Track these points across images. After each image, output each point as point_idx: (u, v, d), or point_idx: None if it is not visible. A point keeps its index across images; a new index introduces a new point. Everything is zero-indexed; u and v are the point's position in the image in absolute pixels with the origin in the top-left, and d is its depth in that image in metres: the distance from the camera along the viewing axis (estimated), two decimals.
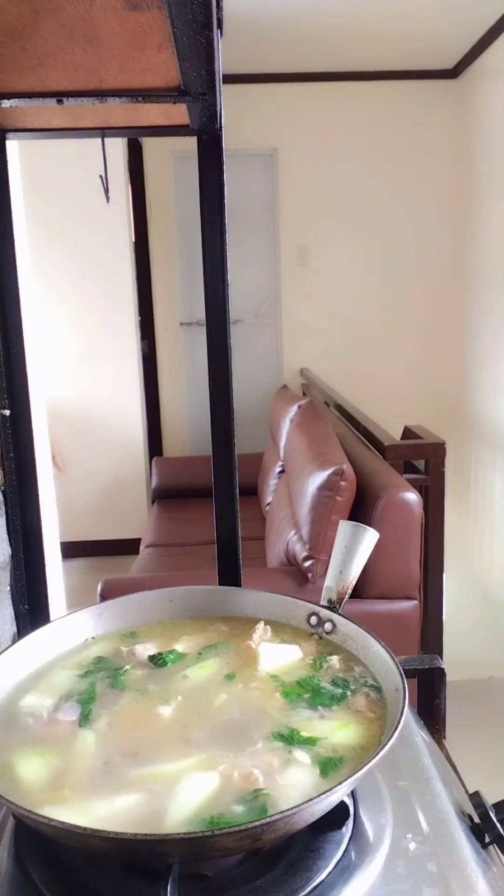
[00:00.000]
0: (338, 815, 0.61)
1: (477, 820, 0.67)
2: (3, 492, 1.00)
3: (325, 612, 0.82)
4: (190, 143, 0.91)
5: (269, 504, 3.15)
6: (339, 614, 0.81)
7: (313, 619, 0.83)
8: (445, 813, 0.67)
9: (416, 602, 2.05)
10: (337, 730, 0.67)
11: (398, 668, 0.69)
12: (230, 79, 4.11)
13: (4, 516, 1.00)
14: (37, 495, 1.01)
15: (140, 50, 0.63)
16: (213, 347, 0.95)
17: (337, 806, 0.60)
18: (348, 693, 0.72)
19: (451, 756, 0.83)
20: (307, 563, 2.07)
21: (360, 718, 0.69)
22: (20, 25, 0.57)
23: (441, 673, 0.90)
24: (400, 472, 2.34)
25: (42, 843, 0.62)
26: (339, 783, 0.56)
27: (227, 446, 0.98)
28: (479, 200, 4.22)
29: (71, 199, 3.68)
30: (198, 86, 0.72)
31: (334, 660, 0.77)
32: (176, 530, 3.30)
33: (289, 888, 0.58)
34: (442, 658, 0.91)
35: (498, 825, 0.65)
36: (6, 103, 0.75)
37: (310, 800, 0.54)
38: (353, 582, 0.82)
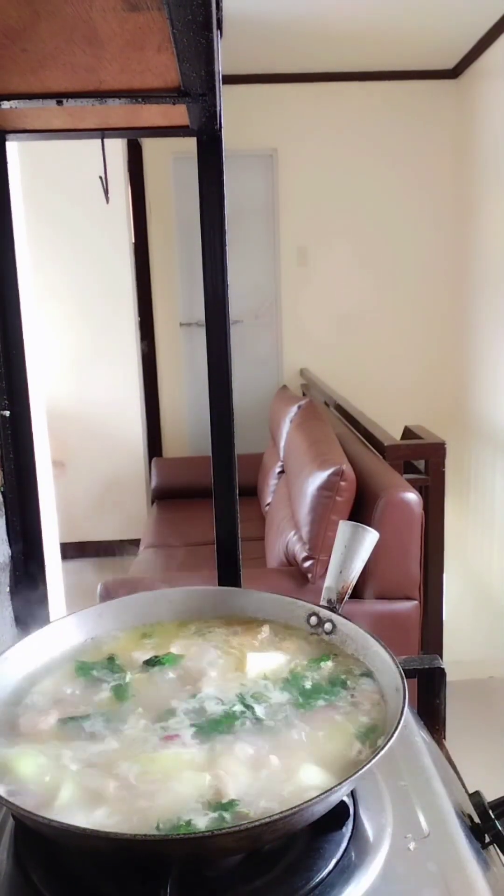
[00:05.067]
0: (338, 815, 0.61)
1: (477, 820, 0.67)
2: (3, 492, 1.00)
3: (324, 613, 0.82)
4: (190, 144, 0.91)
5: (268, 504, 3.15)
6: (339, 614, 0.81)
7: (313, 620, 0.83)
8: (445, 813, 0.67)
9: (416, 602, 2.05)
10: (335, 729, 0.67)
11: (398, 668, 0.69)
12: (230, 79, 4.11)
13: (4, 517, 1.00)
14: (37, 496, 1.01)
15: (140, 51, 0.63)
16: (213, 348, 0.95)
17: (337, 806, 0.60)
18: (347, 692, 0.72)
19: (451, 756, 0.83)
20: (307, 564, 2.07)
21: (359, 718, 0.69)
22: (20, 27, 0.57)
23: (441, 673, 0.90)
24: (400, 472, 2.34)
25: (42, 844, 0.62)
26: (339, 783, 0.56)
27: (227, 446, 0.98)
28: (478, 201, 4.22)
29: (71, 199, 3.68)
30: (197, 86, 0.72)
31: (329, 664, 0.77)
32: (176, 531, 3.30)
33: (289, 888, 0.58)
34: (442, 658, 0.91)
35: (498, 825, 0.66)
36: (6, 105, 0.75)
37: (309, 800, 0.54)
38: (353, 582, 0.82)
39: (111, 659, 0.79)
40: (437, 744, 0.81)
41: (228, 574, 1.00)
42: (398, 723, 0.61)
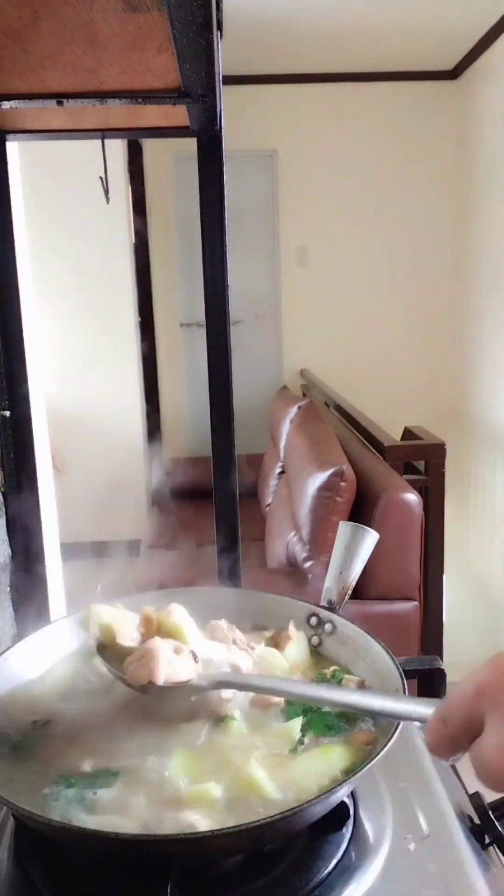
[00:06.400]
0: (338, 816, 0.61)
1: (477, 821, 0.67)
2: (3, 492, 1.00)
3: (325, 614, 0.82)
4: (190, 145, 0.91)
5: (269, 505, 3.15)
6: (339, 615, 0.81)
7: (313, 620, 0.83)
8: (445, 814, 0.67)
9: (415, 603, 2.05)
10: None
11: (398, 668, 0.68)
12: (230, 80, 4.11)
13: (4, 517, 1.00)
14: (37, 496, 1.01)
15: (140, 51, 0.63)
16: (213, 348, 0.95)
17: (337, 806, 0.60)
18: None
19: None
20: (307, 564, 2.07)
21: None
22: (20, 27, 0.57)
23: (441, 674, 0.90)
24: (400, 472, 2.33)
25: (42, 844, 0.62)
26: (339, 783, 0.56)
27: (227, 447, 0.98)
28: (478, 201, 4.22)
29: (71, 200, 3.67)
30: (198, 87, 0.72)
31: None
32: (176, 531, 3.30)
33: (289, 889, 0.58)
34: (442, 659, 0.91)
35: (498, 826, 0.65)
36: (6, 105, 0.75)
37: (309, 800, 0.54)
38: (353, 583, 0.82)
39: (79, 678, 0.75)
40: None
41: (229, 574, 1.00)
42: (398, 724, 0.61)
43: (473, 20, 3.71)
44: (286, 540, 2.28)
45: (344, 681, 0.73)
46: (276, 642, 0.80)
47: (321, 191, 4.57)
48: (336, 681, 0.73)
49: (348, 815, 0.62)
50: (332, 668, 0.76)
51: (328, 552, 0.86)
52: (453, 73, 4.40)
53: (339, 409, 3.33)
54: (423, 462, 2.48)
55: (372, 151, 4.52)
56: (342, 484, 2.07)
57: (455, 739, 0.45)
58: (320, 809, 0.58)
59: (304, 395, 4.24)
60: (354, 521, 0.84)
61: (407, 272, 4.67)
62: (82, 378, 4.02)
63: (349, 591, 0.81)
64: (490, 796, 0.69)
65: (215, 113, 0.82)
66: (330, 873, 0.59)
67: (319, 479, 2.11)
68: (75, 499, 3.98)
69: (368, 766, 0.57)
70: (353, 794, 0.66)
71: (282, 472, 3.09)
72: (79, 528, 3.95)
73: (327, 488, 2.08)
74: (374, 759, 0.57)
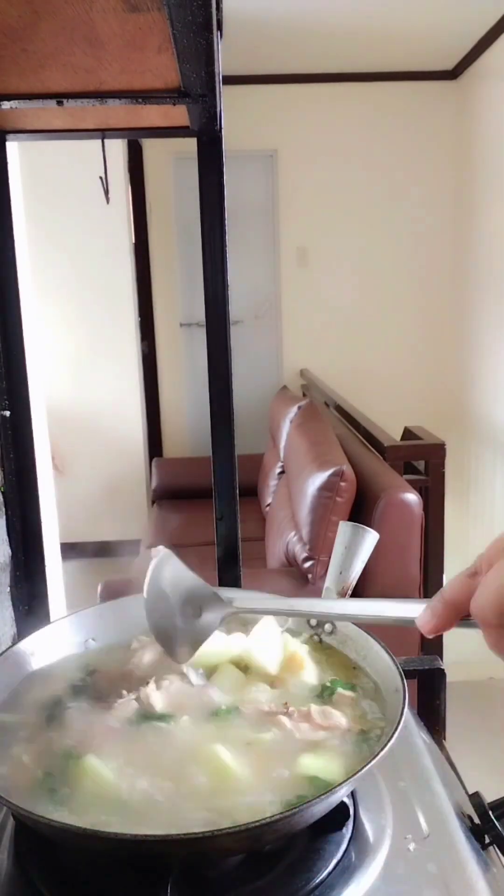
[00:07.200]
0: (338, 816, 0.61)
1: (477, 820, 0.67)
2: (3, 492, 1.00)
3: None
4: (190, 145, 0.91)
5: (269, 505, 3.15)
6: None
7: (313, 620, 0.83)
8: (445, 814, 0.67)
9: None
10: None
11: (398, 668, 0.68)
12: (230, 80, 4.11)
13: (4, 517, 1.00)
14: (37, 496, 1.01)
15: (140, 51, 0.63)
16: (213, 348, 0.95)
17: (337, 807, 0.60)
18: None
19: (451, 757, 0.83)
20: (307, 564, 2.07)
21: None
22: (20, 27, 0.57)
23: (441, 674, 0.90)
24: (400, 472, 2.34)
25: (42, 844, 0.62)
26: (339, 784, 0.56)
27: (227, 447, 0.98)
28: (478, 201, 4.22)
29: (71, 200, 3.68)
30: (198, 87, 0.72)
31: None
32: (176, 531, 3.30)
33: (289, 889, 0.58)
34: (442, 659, 0.91)
35: (498, 826, 0.65)
36: (6, 105, 0.75)
37: (309, 800, 0.54)
38: (353, 583, 0.81)
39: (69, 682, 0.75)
40: (436, 745, 0.81)
41: (229, 574, 1.00)
42: (398, 724, 0.61)
43: (473, 20, 3.71)
44: (286, 540, 2.28)
45: (336, 695, 0.72)
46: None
47: (321, 191, 4.57)
48: (330, 692, 0.72)
49: (348, 815, 0.62)
50: (331, 679, 0.75)
51: (328, 552, 0.86)
52: (453, 73, 4.40)
53: (339, 409, 3.33)
54: (423, 462, 2.48)
55: (372, 151, 4.52)
56: (342, 484, 2.07)
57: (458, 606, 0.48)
58: (320, 809, 0.58)
59: (304, 395, 4.24)
60: (354, 521, 0.84)
61: (407, 272, 4.67)
62: (82, 378, 4.02)
63: (349, 591, 0.81)
64: (490, 796, 0.69)
65: (215, 113, 0.82)
66: (330, 873, 0.59)
67: (319, 479, 2.11)
68: (75, 499, 3.99)
69: (368, 766, 0.57)
70: (353, 794, 0.66)
71: (282, 472, 3.09)
72: (79, 528, 3.96)
73: (327, 488, 2.08)
74: (374, 759, 0.57)
